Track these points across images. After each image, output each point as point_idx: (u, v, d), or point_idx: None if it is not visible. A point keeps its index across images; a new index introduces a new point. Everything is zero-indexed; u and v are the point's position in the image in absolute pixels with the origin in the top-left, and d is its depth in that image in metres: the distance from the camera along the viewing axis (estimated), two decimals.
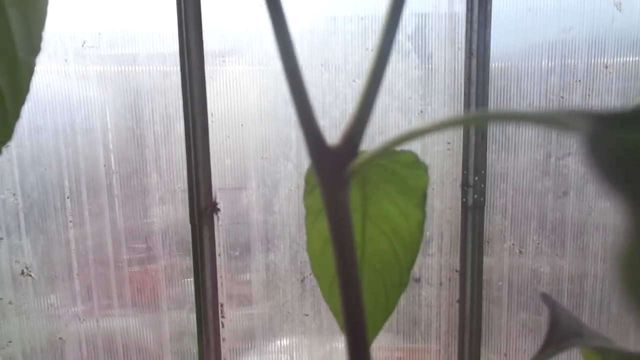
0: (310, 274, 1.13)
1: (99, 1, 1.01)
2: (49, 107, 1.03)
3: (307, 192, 0.26)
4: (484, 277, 1.13)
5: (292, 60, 0.18)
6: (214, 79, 1.04)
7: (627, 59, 1.04)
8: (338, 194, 0.18)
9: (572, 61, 1.05)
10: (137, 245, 1.10)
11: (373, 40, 1.04)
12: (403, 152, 0.24)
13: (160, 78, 1.05)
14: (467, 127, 1.07)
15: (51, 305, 1.11)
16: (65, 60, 1.02)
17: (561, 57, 1.05)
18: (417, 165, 0.25)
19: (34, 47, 0.21)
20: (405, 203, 0.26)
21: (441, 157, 1.09)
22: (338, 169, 0.17)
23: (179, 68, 1.02)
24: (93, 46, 1.02)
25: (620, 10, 1.02)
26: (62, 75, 1.02)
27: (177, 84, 1.03)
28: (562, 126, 0.11)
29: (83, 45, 1.02)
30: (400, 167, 0.25)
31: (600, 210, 1.10)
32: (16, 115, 0.21)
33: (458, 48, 1.05)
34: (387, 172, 0.25)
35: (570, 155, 1.08)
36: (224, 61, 1.04)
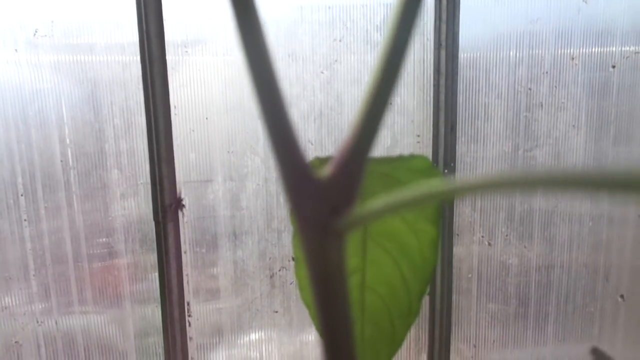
0: (280, 270, 1.10)
1: None
2: None
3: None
4: (454, 269, 1.13)
5: (264, 62, 0.14)
6: (177, 70, 1.00)
7: (593, 50, 1.04)
8: (330, 249, 0.12)
9: (540, 52, 1.04)
10: (98, 243, 1.05)
11: (341, 30, 1.02)
12: (412, 157, 0.20)
13: (119, 69, 0.99)
14: (436, 120, 1.05)
15: (6, 308, 1.05)
16: (16, 50, 0.95)
17: (529, 48, 1.04)
18: (431, 172, 0.20)
19: None
20: (415, 218, 0.21)
21: (411, 149, 1.07)
22: (331, 213, 0.12)
23: (138, 58, 0.97)
24: (46, 35, 0.96)
25: (585, 2, 1.02)
26: (13, 65, 0.96)
27: (137, 75, 0.98)
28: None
29: (35, 34, 0.96)
30: (408, 174, 0.20)
31: (566, 202, 1.11)
32: None
33: (427, 39, 1.03)
34: (390, 182, 0.20)
35: (538, 148, 1.08)
36: (186, 51, 0.99)
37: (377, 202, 0.12)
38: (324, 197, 0.12)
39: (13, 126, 0.97)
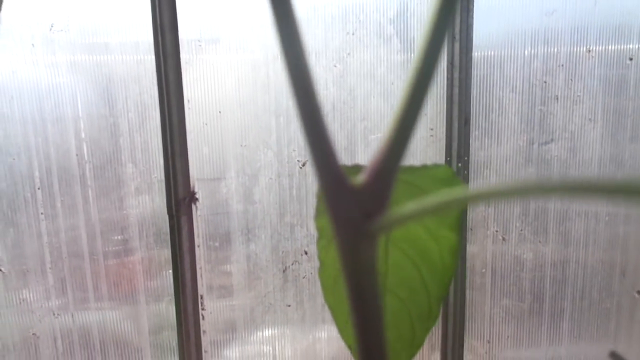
0: (292, 264, 1.09)
1: None
2: (16, 95, 0.97)
3: (319, 213, 0.21)
4: (468, 264, 1.11)
5: (304, 73, 0.13)
6: (191, 64, 1.00)
7: (610, 43, 1.02)
8: (364, 250, 0.13)
9: (555, 46, 1.02)
10: (113, 237, 1.05)
11: (354, 23, 1.01)
12: (435, 166, 0.20)
13: (134, 65, 0.99)
14: (450, 114, 1.04)
15: (23, 300, 1.06)
16: (32, 45, 0.96)
17: (544, 41, 1.02)
18: (453, 181, 0.21)
19: None
20: (437, 225, 0.21)
21: (424, 143, 1.06)
22: (364, 218, 0.13)
23: (153, 56, 0.97)
24: (62, 30, 0.96)
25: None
26: (30, 62, 0.97)
27: (151, 71, 0.98)
28: None
29: (51, 29, 0.96)
30: (431, 183, 0.20)
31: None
32: None
33: None
34: (414, 190, 0.20)
35: (553, 142, 1.06)
36: (200, 47, 0.99)
37: (406, 207, 0.13)
38: (359, 203, 0.13)
39: (30, 121, 0.98)
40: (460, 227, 0.23)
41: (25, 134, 0.98)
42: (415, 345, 0.24)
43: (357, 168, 0.20)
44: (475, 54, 1.02)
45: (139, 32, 0.98)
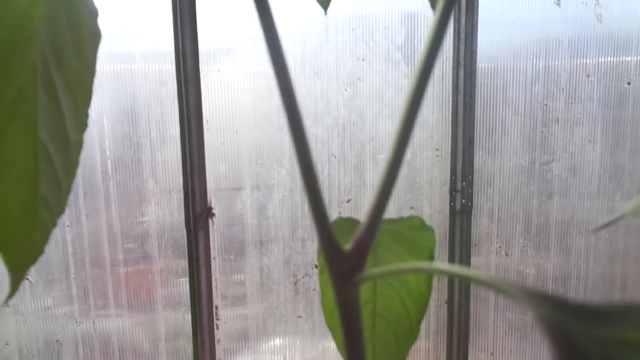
0: (304, 277, 1.13)
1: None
2: None
3: (320, 255, 0.28)
4: None
5: (310, 167, 0.18)
6: (209, 86, 1.05)
7: (608, 68, 1.06)
8: (350, 293, 0.19)
9: (556, 70, 1.06)
10: (133, 247, 1.10)
11: (364, 50, 1.05)
12: (410, 217, 0.26)
13: (156, 85, 1.05)
14: (454, 135, 1.08)
15: (48, 308, 1.10)
16: None
17: (545, 66, 1.06)
18: (424, 229, 0.27)
19: (82, 124, 0.21)
20: (414, 262, 0.28)
21: (430, 163, 1.10)
22: (350, 272, 0.19)
23: (175, 80, 1.02)
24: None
25: (600, 22, 1.04)
26: None
27: (172, 92, 1.03)
28: (532, 306, 0.12)
29: None
30: (408, 230, 0.27)
31: (582, 214, 1.12)
32: (68, 190, 0.21)
33: (446, 57, 1.06)
34: (396, 235, 0.27)
35: (554, 162, 1.09)
36: (219, 71, 1.04)
37: (380, 269, 0.19)
38: (346, 262, 0.19)
39: None
40: (433, 262, 0.29)
41: None
42: (401, 357, 0.30)
43: (351, 222, 0.25)
44: (480, 72, 1.06)
45: (161, 43, 1.03)
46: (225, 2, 1.03)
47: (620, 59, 1.06)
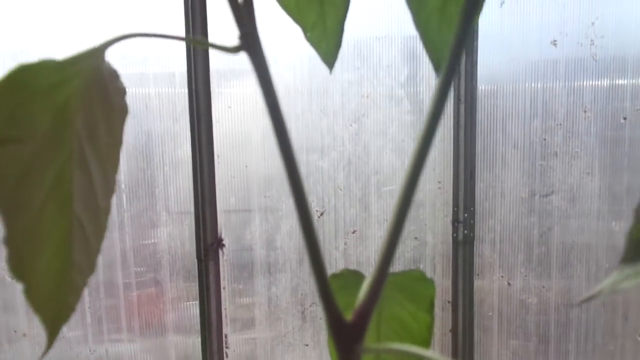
0: (311, 306, 1.14)
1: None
2: None
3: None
4: (475, 307, 1.14)
5: (315, 243, 0.20)
6: (220, 122, 1.07)
7: (604, 105, 1.07)
8: (350, 358, 0.20)
9: (553, 105, 1.08)
10: (146, 277, 1.11)
11: (368, 87, 1.08)
12: (411, 270, 0.28)
13: (170, 122, 1.07)
14: (456, 168, 1.09)
15: (63, 337, 1.11)
16: None
17: (543, 102, 1.08)
18: (425, 280, 0.29)
19: (110, 191, 0.23)
20: (416, 309, 0.29)
21: (433, 195, 1.11)
22: (351, 343, 0.20)
23: (188, 118, 1.05)
24: None
25: (595, 60, 1.06)
26: None
27: (185, 128, 1.06)
28: None
29: None
30: (410, 281, 0.28)
31: (582, 244, 1.12)
32: (98, 251, 0.23)
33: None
34: (398, 285, 0.29)
35: (553, 194, 1.10)
36: (229, 107, 1.07)
37: (381, 345, 0.22)
38: (348, 334, 0.20)
39: None
40: (433, 310, 0.31)
41: None
42: None
43: (356, 276, 0.27)
44: (480, 107, 1.08)
45: (173, 65, 1.06)
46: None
47: (616, 94, 1.07)
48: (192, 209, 1.08)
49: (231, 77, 1.07)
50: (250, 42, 0.20)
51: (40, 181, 0.19)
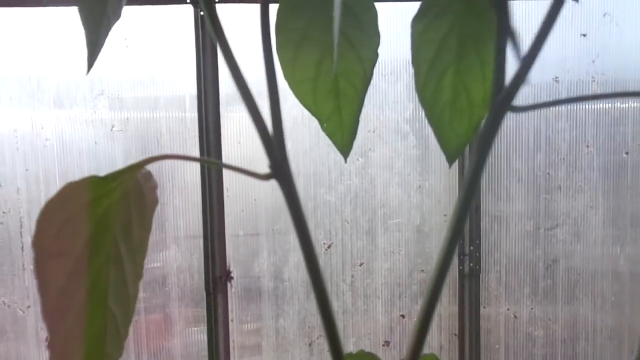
0: (318, 338, 1.13)
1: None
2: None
3: None
4: (482, 340, 1.13)
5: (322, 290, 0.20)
6: (230, 157, 1.08)
7: (606, 140, 1.08)
8: None
9: (556, 140, 1.09)
10: (156, 311, 1.11)
11: (375, 122, 1.09)
12: (425, 355, 0.27)
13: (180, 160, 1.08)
14: None
15: None
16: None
17: (546, 137, 1.09)
18: None
19: (138, 276, 0.23)
20: None
21: (439, 228, 1.11)
22: None
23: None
24: (121, 130, 1.06)
25: (595, 82, 1.07)
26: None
27: (196, 164, 1.06)
28: None
29: (112, 129, 1.06)
30: None
31: (587, 277, 1.12)
32: (126, 335, 0.23)
33: None
34: None
35: (558, 227, 1.10)
36: (239, 143, 1.08)
37: None
38: None
39: None
40: None
41: None
42: None
43: (372, 358, 0.27)
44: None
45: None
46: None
47: (618, 130, 1.08)
48: (201, 242, 1.08)
49: (240, 101, 1.08)
50: (280, 171, 0.21)
51: (80, 286, 0.19)
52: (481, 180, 1.10)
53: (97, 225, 0.19)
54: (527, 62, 0.20)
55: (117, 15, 0.27)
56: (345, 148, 0.34)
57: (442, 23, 0.31)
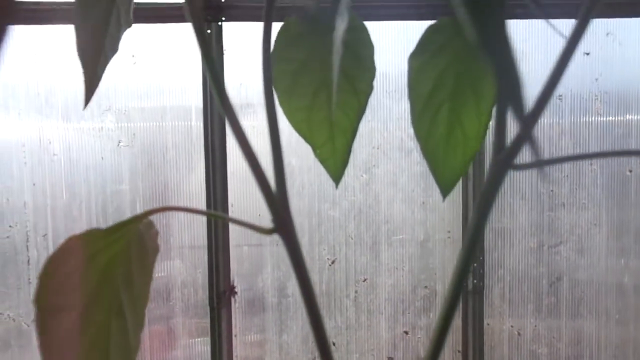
0: None
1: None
2: (85, 198, 1.06)
3: None
4: (485, 357, 1.12)
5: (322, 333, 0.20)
6: (235, 174, 1.08)
7: (610, 158, 1.07)
8: None
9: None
10: (159, 325, 1.10)
11: (379, 139, 1.09)
12: None
13: (185, 171, 1.08)
14: (465, 218, 1.09)
15: None
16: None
17: (549, 154, 1.08)
18: None
19: (140, 326, 0.23)
20: None
21: (442, 245, 1.10)
22: None
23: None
24: (127, 146, 1.06)
25: (599, 115, 1.07)
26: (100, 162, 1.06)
27: (201, 177, 1.06)
28: None
29: (118, 145, 1.06)
30: None
31: (592, 295, 1.11)
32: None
33: None
34: None
35: (562, 244, 1.09)
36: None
37: None
38: None
39: (95, 223, 1.06)
40: None
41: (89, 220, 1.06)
42: None
43: None
44: (487, 165, 1.08)
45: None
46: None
47: (621, 148, 1.07)
48: (206, 257, 1.08)
49: (246, 109, 1.08)
50: (283, 226, 0.21)
51: (83, 339, 0.19)
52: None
53: (99, 279, 0.19)
54: (530, 121, 0.20)
55: (114, 50, 0.27)
56: (336, 175, 0.35)
57: (439, 60, 0.31)
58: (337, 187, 0.35)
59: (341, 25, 0.23)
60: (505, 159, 0.21)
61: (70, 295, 0.18)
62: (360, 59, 0.32)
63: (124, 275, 0.21)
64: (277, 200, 0.21)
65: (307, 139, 0.34)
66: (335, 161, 0.34)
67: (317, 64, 0.32)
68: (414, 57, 0.31)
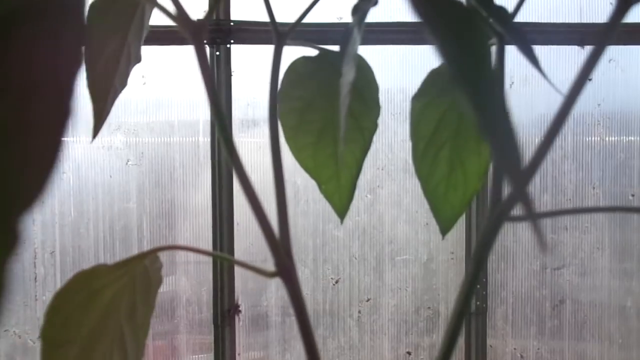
0: None
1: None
2: (93, 217, 1.05)
3: None
4: None
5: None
6: (241, 191, 1.07)
7: (612, 182, 1.06)
8: None
9: (562, 181, 1.07)
10: (163, 343, 1.08)
11: (383, 160, 1.08)
12: None
13: (192, 190, 1.08)
14: (468, 239, 1.07)
15: None
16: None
17: (552, 177, 1.07)
18: None
19: (140, 357, 0.22)
20: None
21: (446, 265, 1.09)
22: None
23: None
24: (136, 165, 1.06)
25: (602, 139, 1.06)
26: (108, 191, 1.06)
27: (207, 198, 1.05)
28: None
29: (127, 163, 1.06)
30: None
31: (595, 318, 1.08)
32: None
33: None
34: None
35: (565, 267, 1.08)
36: (250, 167, 1.07)
37: None
38: None
39: (102, 239, 1.05)
40: None
41: (97, 252, 1.05)
42: None
43: None
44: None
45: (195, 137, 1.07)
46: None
47: (624, 172, 1.06)
48: (211, 275, 1.06)
49: (252, 125, 1.08)
50: (285, 270, 0.20)
51: None
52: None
53: (103, 312, 0.18)
54: (526, 176, 0.19)
55: (124, 85, 0.27)
56: (342, 210, 0.34)
57: (441, 102, 0.31)
58: (342, 222, 0.35)
59: (349, 73, 0.23)
60: (501, 213, 0.20)
61: (74, 329, 0.17)
62: (364, 98, 0.32)
63: (128, 307, 0.20)
64: (280, 245, 0.20)
65: (313, 175, 0.33)
66: (341, 197, 0.33)
67: (324, 102, 0.32)
68: (417, 99, 0.31)
